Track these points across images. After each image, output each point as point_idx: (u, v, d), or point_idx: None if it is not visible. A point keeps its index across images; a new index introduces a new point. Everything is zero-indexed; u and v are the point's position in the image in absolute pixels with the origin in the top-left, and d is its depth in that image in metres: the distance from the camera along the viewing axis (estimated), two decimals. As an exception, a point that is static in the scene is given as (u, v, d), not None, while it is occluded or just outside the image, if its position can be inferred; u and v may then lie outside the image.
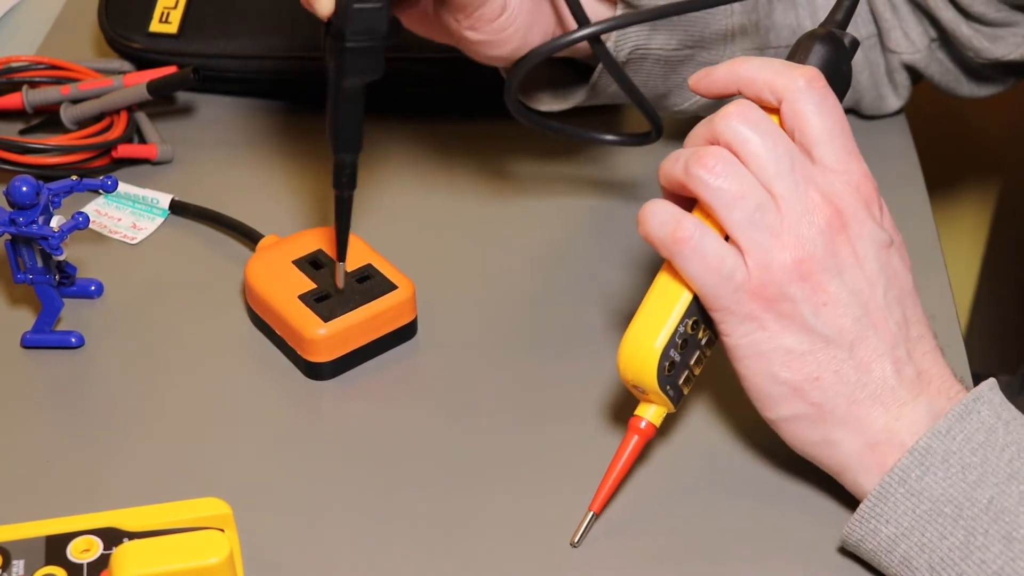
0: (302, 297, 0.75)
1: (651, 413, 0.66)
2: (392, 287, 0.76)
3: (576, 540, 0.65)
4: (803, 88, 0.63)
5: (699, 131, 0.65)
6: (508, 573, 0.65)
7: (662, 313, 0.64)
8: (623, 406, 0.71)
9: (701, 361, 0.66)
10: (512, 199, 0.87)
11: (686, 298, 0.63)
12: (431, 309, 0.78)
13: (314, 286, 0.76)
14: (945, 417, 0.61)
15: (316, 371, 0.75)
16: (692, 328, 0.64)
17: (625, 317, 0.78)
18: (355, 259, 0.77)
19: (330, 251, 0.78)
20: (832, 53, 0.66)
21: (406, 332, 0.77)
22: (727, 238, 0.63)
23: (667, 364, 0.64)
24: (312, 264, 0.77)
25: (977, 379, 0.64)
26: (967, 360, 0.75)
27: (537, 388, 0.74)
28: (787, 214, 0.61)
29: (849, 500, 0.65)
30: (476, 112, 0.92)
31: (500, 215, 0.86)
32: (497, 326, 0.78)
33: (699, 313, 0.64)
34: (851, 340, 0.62)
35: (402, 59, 0.91)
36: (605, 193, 0.87)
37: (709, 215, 0.63)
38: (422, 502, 0.68)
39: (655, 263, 0.65)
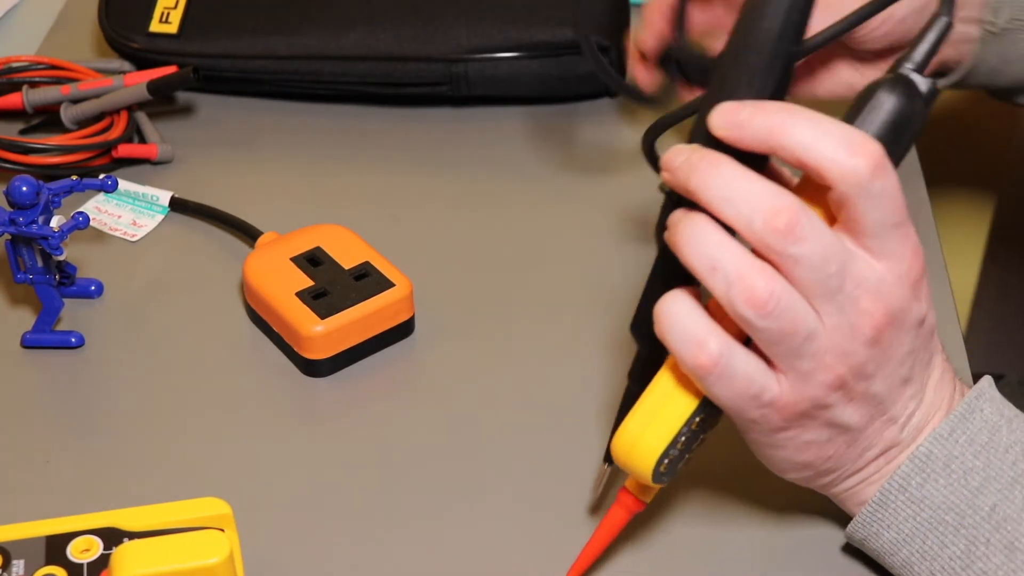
0: (299, 294, 0.75)
1: (641, 490, 0.61)
2: (390, 284, 0.76)
3: None
4: (865, 182, 0.53)
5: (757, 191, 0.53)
6: (506, 570, 0.65)
7: (666, 417, 0.58)
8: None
9: (702, 443, 0.60)
10: (511, 197, 0.87)
11: (693, 403, 0.57)
12: (429, 307, 0.78)
13: (311, 283, 0.76)
14: (947, 419, 0.60)
15: (313, 368, 0.75)
16: (697, 426, 0.58)
17: (623, 317, 0.78)
18: (352, 256, 0.78)
19: (328, 249, 0.78)
20: (903, 106, 0.55)
21: (404, 330, 0.77)
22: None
23: (665, 461, 0.58)
24: (310, 261, 0.77)
25: (977, 380, 0.64)
26: (967, 360, 0.75)
27: (535, 386, 0.74)
28: (832, 334, 0.55)
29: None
30: (475, 111, 0.92)
31: (499, 213, 0.86)
32: (495, 324, 0.78)
33: (705, 411, 0.58)
34: (868, 419, 0.59)
35: (399, 58, 0.92)
36: (607, 193, 0.87)
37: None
38: (420, 500, 0.68)
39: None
